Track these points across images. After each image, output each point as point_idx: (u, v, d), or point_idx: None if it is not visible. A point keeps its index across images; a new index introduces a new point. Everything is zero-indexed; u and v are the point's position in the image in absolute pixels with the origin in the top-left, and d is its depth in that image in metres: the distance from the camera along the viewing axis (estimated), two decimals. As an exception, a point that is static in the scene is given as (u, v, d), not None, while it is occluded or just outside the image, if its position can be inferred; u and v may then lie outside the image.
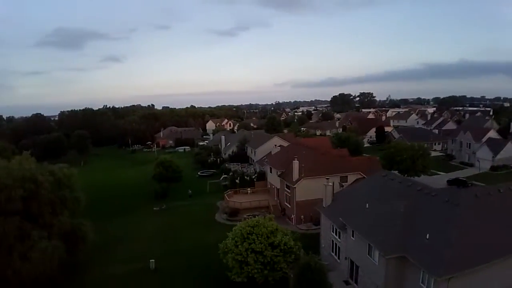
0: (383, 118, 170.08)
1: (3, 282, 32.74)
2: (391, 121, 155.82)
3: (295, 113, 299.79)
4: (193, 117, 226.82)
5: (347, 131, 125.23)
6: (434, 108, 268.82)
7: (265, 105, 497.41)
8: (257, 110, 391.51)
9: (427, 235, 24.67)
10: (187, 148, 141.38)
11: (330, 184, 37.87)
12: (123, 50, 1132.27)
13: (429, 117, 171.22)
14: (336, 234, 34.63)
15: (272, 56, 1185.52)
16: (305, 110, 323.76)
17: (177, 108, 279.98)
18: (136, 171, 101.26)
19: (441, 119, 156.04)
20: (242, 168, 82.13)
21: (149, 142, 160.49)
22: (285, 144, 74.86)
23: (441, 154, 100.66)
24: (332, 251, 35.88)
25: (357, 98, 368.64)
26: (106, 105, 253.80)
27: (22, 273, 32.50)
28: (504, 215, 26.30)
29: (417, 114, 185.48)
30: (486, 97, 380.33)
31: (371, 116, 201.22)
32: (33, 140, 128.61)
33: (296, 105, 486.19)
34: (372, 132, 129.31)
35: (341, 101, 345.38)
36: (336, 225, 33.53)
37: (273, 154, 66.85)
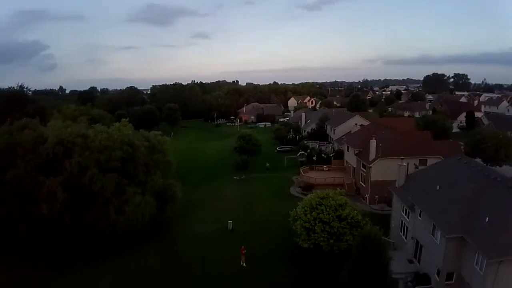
0: (476, 103, 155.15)
1: (98, 233, 38.16)
2: (482, 106, 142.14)
3: (383, 92, 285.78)
4: (276, 93, 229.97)
5: (436, 113, 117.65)
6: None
7: (352, 82, 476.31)
8: (342, 88, 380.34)
9: (487, 218, 24.83)
10: (268, 124, 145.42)
11: (404, 164, 37.71)
12: (210, 27, 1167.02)
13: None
14: (405, 214, 34.92)
15: (361, 31, 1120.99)
16: (395, 90, 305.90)
17: (260, 84, 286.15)
18: (220, 144, 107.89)
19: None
20: (320, 146, 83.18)
21: (232, 117, 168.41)
22: (366, 123, 73.80)
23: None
24: (401, 231, 36.25)
25: (451, 80, 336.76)
26: (194, 81, 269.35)
27: (116, 225, 37.58)
28: None
29: (508, 101, 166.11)
30: None
31: (463, 99, 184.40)
32: (127, 111, 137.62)
33: (385, 83, 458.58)
34: (462, 117, 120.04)
35: (434, 82, 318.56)
36: (406, 205, 33.83)
37: (352, 133, 66.81)
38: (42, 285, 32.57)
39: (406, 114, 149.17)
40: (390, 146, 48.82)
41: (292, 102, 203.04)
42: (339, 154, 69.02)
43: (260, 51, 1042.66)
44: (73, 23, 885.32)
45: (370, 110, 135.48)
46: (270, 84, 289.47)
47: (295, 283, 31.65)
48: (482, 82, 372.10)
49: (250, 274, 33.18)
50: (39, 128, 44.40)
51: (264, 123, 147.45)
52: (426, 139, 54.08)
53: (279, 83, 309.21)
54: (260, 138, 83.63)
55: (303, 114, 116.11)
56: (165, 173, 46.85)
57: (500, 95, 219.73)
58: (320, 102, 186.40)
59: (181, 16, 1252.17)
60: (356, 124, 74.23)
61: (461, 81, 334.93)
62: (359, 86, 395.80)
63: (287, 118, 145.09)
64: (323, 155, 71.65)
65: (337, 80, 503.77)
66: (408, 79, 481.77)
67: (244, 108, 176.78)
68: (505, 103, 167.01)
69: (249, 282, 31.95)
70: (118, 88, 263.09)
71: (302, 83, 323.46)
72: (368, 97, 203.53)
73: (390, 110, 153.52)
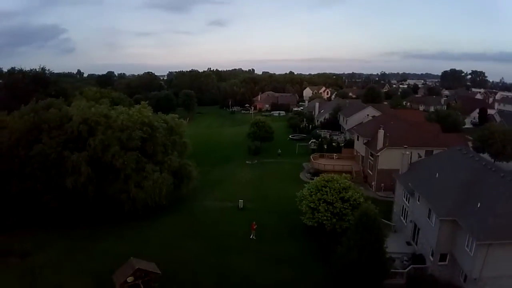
0: (490, 100, 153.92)
1: (119, 205, 41.31)
2: (496, 104, 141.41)
3: (400, 86, 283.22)
4: (291, 83, 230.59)
5: (450, 108, 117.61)
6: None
7: (369, 75, 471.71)
8: (359, 80, 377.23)
9: (478, 204, 26.74)
10: (282, 112, 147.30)
11: (408, 153, 39.60)
12: (227, 15, 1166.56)
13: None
14: (406, 200, 36.99)
15: (380, 23, 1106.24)
16: (412, 84, 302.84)
17: (276, 73, 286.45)
18: (234, 130, 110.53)
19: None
20: (331, 135, 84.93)
21: (247, 105, 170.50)
22: (378, 115, 75.06)
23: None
24: (402, 216, 38.42)
25: (469, 76, 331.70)
26: (210, 68, 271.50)
27: (135, 199, 40.75)
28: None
29: None
30: None
31: (478, 96, 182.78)
32: (145, 95, 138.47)
33: (403, 77, 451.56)
34: (475, 113, 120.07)
35: (452, 78, 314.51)
36: (407, 191, 35.89)
37: (363, 123, 68.42)
38: (66, 249, 35.58)
39: (421, 108, 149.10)
40: (397, 136, 50.48)
41: (307, 92, 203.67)
42: (350, 144, 70.86)
43: (277, 41, 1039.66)
44: (91, 8, 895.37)
45: (385, 103, 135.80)
46: (286, 73, 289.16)
47: (298, 256, 34.20)
48: (500, 80, 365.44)
49: (257, 246, 36.09)
50: (63, 107, 47.42)
51: (278, 111, 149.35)
52: (433, 131, 55.67)
53: (295, 73, 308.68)
54: (273, 126, 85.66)
55: (317, 104, 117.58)
56: (182, 154, 49.57)
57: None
58: (335, 93, 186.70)
59: (197, 2, 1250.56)
60: (368, 115, 75.83)
61: (478, 78, 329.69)
62: (377, 79, 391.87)
63: (301, 108, 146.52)
64: (333, 144, 73.52)
65: (354, 72, 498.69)
66: (427, 73, 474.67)
67: (259, 97, 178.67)
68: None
69: (255, 253, 34.74)
70: (135, 74, 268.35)
71: (318, 74, 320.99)
72: (384, 90, 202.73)
73: (404, 103, 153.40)
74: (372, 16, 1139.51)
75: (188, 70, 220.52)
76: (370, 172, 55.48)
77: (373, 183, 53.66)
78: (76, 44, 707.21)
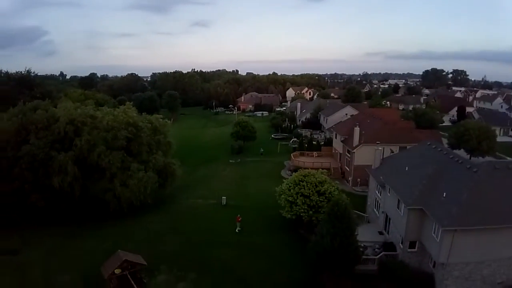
0: (471, 98, 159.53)
1: (105, 204, 42.58)
2: (476, 102, 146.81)
3: (381, 86, 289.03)
4: (274, 84, 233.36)
5: (429, 107, 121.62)
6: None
7: (352, 75, 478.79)
8: (342, 80, 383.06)
9: (444, 193, 28.77)
10: (265, 113, 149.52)
11: (380, 149, 42.10)
12: (209, 16, 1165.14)
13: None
14: (378, 192, 39.38)
15: (363, 24, 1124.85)
16: (393, 83, 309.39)
17: (260, 74, 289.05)
18: (218, 130, 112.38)
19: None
20: (312, 134, 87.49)
21: (230, 106, 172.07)
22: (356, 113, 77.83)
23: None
24: (375, 207, 40.82)
25: (450, 75, 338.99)
26: (194, 69, 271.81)
27: (121, 197, 42.07)
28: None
29: (503, 98, 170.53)
30: None
31: (458, 95, 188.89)
32: (128, 97, 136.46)
33: (385, 77, 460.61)
34: (454, 111, 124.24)
35: (433, 77, 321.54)
36: (379, 184, 38.29)
37: (341, 122, 71.03)
38: (53, 247, 36.60)
39: (401, 107, 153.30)
40: (372, 133, 53.17)
41: (290, 93, 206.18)
42: (330, 142, 73.35)
43: (260, 42, 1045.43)
44: (72, 9, 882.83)
45: (365, 102, 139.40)
46: (269, 74, 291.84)
47: (277, 247, 36.17)
48: (482, 79, 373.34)
49: (238, 239, 37.99)
50: (50, 109, 48.35)
51: (261, 112, 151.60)
52: (407, 128, 58.49)
53: (279, 74, 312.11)
54: (256, 126, 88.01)
55: (299, 104, 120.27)
56: (166, 153, 51.00)
57: (496, 92, 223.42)
58: (317, 93, 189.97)
59: (179, 3, 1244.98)
60: (346, 114, 78.51)
61: (459, 77, 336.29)
62: (359, 79, 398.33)
63: (284, 108, 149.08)
64: (314, 142, 75.96)
65: (337, 73, 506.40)
66: (408, 73, 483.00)
67: (242, 97, 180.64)
68: (499, 99, 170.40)
69: (236, 246, 36.60)
70: (118, 75, 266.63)
71: (301, 74, 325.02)
72: (364, 90, 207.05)
73: (384, 102, 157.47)
74: (355, 17, 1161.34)
75: (172, 71, 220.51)
76: (347, 168, 57.99)
77: (349, 178, 56.15)
78: (58, 46, 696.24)
